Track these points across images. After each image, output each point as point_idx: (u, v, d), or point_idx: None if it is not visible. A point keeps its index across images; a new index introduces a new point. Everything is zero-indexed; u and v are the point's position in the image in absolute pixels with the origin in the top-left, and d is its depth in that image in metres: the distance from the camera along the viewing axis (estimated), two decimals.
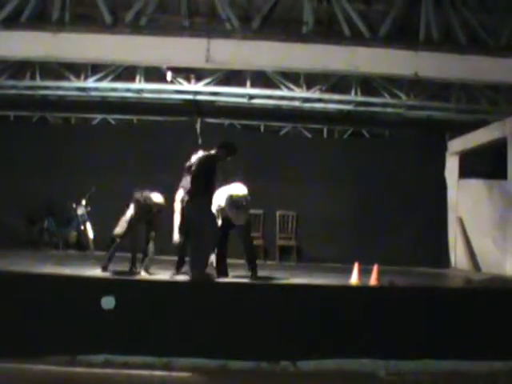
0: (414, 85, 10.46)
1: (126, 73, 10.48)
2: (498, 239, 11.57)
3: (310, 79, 10.56)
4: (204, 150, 7.96)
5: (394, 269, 9.85)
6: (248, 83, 10.57)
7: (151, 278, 7.60)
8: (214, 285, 7.23)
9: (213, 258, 7.84)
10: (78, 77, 10.41)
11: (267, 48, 8.46)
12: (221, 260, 7.90)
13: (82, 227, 11.61)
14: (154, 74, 10.54)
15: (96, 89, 11.03)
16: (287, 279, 8.32)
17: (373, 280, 8.09)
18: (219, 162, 7.58)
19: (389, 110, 11.61)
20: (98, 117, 13.06)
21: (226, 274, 7.83)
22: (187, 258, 7.79)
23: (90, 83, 10.55)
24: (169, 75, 10.30)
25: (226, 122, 13.08)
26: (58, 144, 12.24)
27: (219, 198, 7.79)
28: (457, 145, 13.01)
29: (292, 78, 10.51)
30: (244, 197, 7.78)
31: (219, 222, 7.75)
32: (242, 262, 8.09)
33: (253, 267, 7.95)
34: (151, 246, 7.93)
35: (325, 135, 13.52)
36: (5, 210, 11.82)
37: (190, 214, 7.54)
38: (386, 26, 8.55)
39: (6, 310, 6.29)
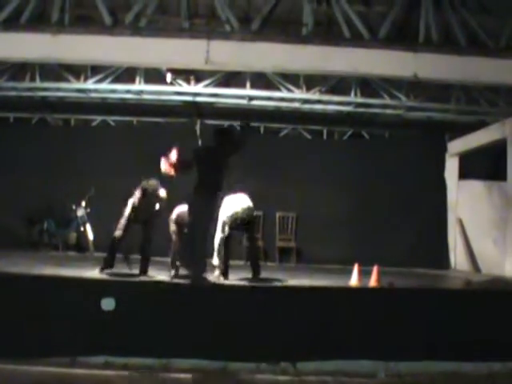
0: (414, 86, 10.48)
1: (126, 74, 10.50)
2: (498, 240, 11.58)
3: (310, 80, 10.58)
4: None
5: (393, 270, 9.85)
6: (248, 84, 10.60)
7: (151, 280, 7.59)
8: (214, 286, 7.23)
9: (215, 259, 7.84)
10: (77, 78, 10.44)
11: (267, 49, 8.47)
12: (225, 261, 7.92)
13: (82, 228, 11.61)
14: (154, 75, 10.56)
15: (96, 90, 11.06)
16: (287, 281, 8.32)
17: (373, 281, 8.09)
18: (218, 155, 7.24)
19: (388, 111, 11.63)
20: (98, 118, 13.07)
21: (226, 276, 7.84)
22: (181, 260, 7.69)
23: (90, 85, 10.57)
24: (168, 77, 10.32)
25: (226, 123, 13.08)
26: (57, 145, 12.25)
27: (223, 213, 7.78)
28: (457, 146, 13.02)
29: (292, 79, 10.53)
30: (248, 211, 7.77)
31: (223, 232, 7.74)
32: (241, 263, 8.09)
33: (255, 268, 7.96)
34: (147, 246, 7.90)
35: (324, 136, 13.53)
36: (4, 211, 11.82)
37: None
38: (386, 28, 8.56)
39: (5, 311, 6.27)
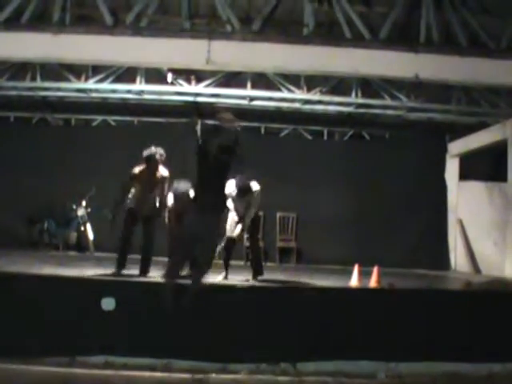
0: (415, 87, 10.46)
1: (127, 74, 10.49)
2: (498, 241, 11.58)
3: (311, 81, 10.57)
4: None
5: (394, 271, 9.84)
6: (248, 85, 10.59)
7: (151, 280, 7.58)
8: (214, 286, 7.21)
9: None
10: (78, 78, 10.43)
11: (268, 50, 8.46)
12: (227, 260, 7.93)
13: (82, 228, 11.61)
14: (155, 75, 10.55)
15: (96, 90, 11.05)
16: (287, 281, 8.31)
17: (373, 282, 8.08)
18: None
19: (389, 111, 11.63)
20: (99, 118, 13.06)
21: (226, 276, 7.83)
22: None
23: (91, 84, 10.56)
24: (169, 77, 10.31)
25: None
26: (58, 145, 12.24)
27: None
28: (457, 147, 13.01)
29: (292, 79, 10.52)
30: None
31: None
32: (241, 263, 8.08)
33: (257, 268, 7.95)
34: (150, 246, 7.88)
35: (325, 137, 13.52)
36: (5, 211, 11.81)
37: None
38: (387, 28, 8.56)
39: (5, 311, 6.28)
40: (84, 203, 11.54)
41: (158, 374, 5.91)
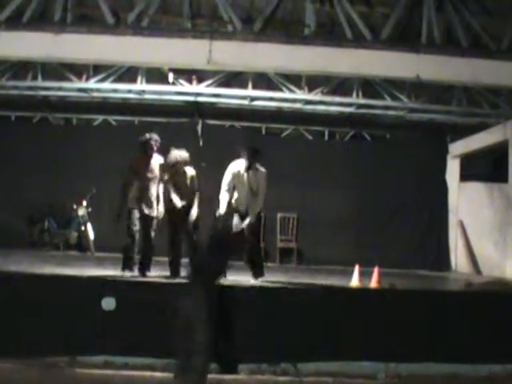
0: (416, 87, 10.46)
1: (128, 74, 10.49)
2: (499, 242, 11.58)
3: (312, 81, 10.57)
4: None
5: (394, 271, 9.86)
6: (249, 85, 10.58)
7: (151, 280, 7.58)
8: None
9: None
10: (79, 77, 10.43)
11: (269, 50, 8.45)
12: None
13: (83, 228, 11.61)
14: (156, 75, 10.55)
15: (97, 90, 11.06)
16: (288, 281, 8.31)
17: (373, 282, 8.09)
18: None
19: (390, 112, 11.63)
20: (100, 118, 13.05)
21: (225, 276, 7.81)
22: None
23: (92, 84, 10.56)
24: (170, 76, 10.31)
25: (228, 123, 13.08)
26: (59, 145, 12.24)
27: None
28: (458, 148, 13.01)
29: (294, 80, 10.52)
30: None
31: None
32: (241, 263, 8.05)
33: (258, 269, 7.93)
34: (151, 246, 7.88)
35: (326, 137, 13.51)
36: (5, 211, 11.81)
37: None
38: (388, 29, 8.54)
39: (5, 310, 6.28)
40: (84, 203, 11.55)
41: (158, 374, 5.91)
